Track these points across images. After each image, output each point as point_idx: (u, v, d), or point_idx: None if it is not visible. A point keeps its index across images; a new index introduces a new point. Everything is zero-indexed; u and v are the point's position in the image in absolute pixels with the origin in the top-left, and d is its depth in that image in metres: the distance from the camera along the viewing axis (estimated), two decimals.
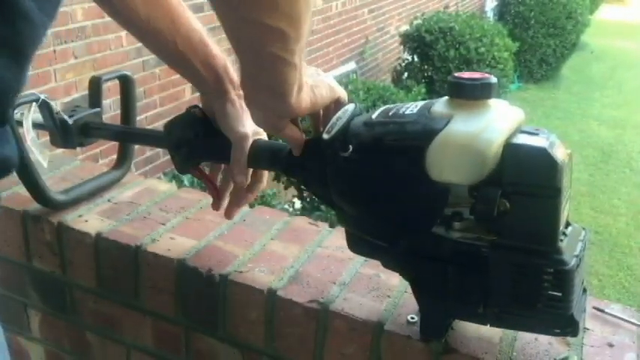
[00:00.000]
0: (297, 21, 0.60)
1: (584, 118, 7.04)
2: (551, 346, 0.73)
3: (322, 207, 3.12)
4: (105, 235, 0.94)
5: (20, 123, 0.94)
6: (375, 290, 0.82)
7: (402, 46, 6.07)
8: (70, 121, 0.96)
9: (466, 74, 0.65)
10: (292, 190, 3.43)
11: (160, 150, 3.39)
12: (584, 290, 0.68)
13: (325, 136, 0.71)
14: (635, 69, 9.24)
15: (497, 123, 0.63)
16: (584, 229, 0.68)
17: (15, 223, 1.01)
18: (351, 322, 0.77)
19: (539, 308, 0.63)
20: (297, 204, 3.38)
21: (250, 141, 0.82)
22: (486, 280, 0.64)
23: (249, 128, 0.82)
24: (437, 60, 5.67)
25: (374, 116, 0.70)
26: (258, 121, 0.75)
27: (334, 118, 0.72)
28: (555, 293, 0.61)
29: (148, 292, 0.93)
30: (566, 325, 0.63)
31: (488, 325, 0.69)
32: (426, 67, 5.81)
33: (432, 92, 5.40)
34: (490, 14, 9.13)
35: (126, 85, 1.07)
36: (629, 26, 12.57)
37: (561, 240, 0.62)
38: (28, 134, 0.95)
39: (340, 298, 0.81)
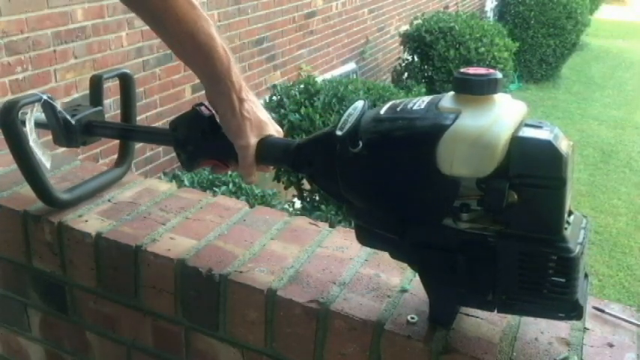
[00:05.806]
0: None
1: (584, 118, 7.04)
2: (551, 346, 0.73)
3: (322, 207, 3.12)
4: (105, 235, 0.94)
5: (24, 123, 0.94)
6: (375, 290, 0.82)
7: (402, 46, 6.06)
8: (73, 121, 0.96)
9: (472, 70, 0.66)
10: (292, 190, 3.42)
11: (160, 150, 3.39)
12: (586, 275, 0.69)
13: (338, 132, 0.72)
14: (635, 69, 9.24)
15: (504, 117, 0.64)
16: (585, 216, 0.70)
17: (15, 223, 1.01)
18: (351, 322, 0.77)
19: (545, 294, 0.64)
20: (297, 204, 3.37)
21: (252, 148, 0.83)
22: (494, 268, 0.65)
23: (251, 136, 0.83)
24: (437, 60, 5.66)
25: (382, 112, 0.71)
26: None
27: (345, 115, 0.73)
28: (560, 279, 0.63)
29: (147, 291, 0.93)
30: (571, 310, 0.65)
31: (496, 311, 0.70)
32: (426, 67, 5.80)
33: (432, 92, 5.39)
34: (490, 14, 9.12)
35: (126, 82, 1.07)
36: (629, 26, 12.57)
37: (565, 228, 0.64)
38: (31, 135, 0.94)
39: (340, 298, 0.81)
